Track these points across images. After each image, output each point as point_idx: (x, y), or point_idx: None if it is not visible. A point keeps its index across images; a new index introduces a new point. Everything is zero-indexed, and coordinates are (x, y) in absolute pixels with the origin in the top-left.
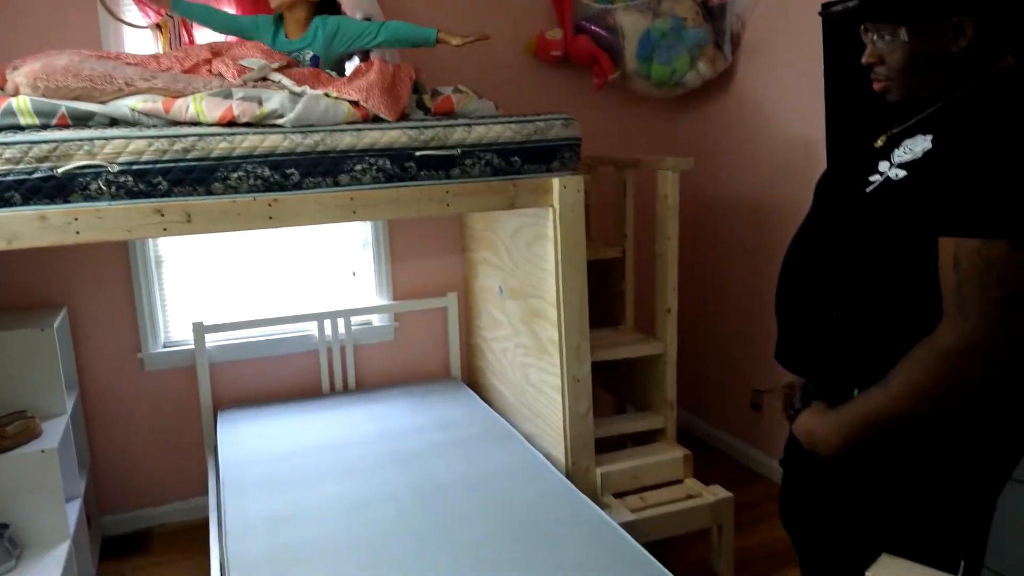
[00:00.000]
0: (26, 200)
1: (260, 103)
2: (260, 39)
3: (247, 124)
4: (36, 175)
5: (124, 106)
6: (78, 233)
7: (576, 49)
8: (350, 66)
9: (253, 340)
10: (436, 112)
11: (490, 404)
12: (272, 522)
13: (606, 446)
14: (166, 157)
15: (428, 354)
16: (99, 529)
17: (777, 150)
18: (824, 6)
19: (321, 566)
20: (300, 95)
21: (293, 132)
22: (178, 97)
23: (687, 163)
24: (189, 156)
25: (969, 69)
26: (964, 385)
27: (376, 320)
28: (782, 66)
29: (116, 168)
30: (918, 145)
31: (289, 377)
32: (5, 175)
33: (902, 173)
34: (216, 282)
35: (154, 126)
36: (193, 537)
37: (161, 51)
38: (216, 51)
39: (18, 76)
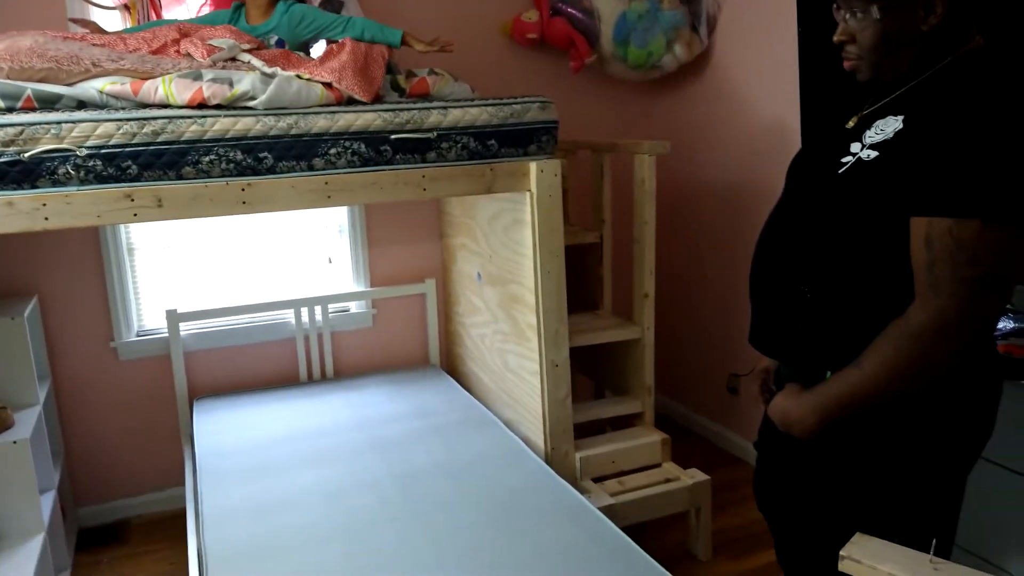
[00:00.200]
0: None
1: (231, 85)
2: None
3: (218, 106)
4: (2, 160)
5: (92, 88)
6: (47, 219)
7: (552, 32)
8: (317, 49)
9: (229, 328)
10: (411, 94)
11: (469, 391)
12: (250, 511)
13: (585, 431)
14: (135, 140)
15: (406, 341)
16: (75, 521)
17: (753, 133)
18: None
19: (300, 554)
20: (271, 76)
21: (266, 115)
22: (147, 79)
23: (663, 146)
24: (159, 139)
25: (939, 49)
26: (936, 364)
27: (353, 307)
28: (758, 49)
29: (84, 152)
30: (889, 126)
31: (266, 365)
32: None
33: (874, 154)
34: (190, 269)
35: (123, 109)
36: (171, 527)
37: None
38: (184, 32)
39: None
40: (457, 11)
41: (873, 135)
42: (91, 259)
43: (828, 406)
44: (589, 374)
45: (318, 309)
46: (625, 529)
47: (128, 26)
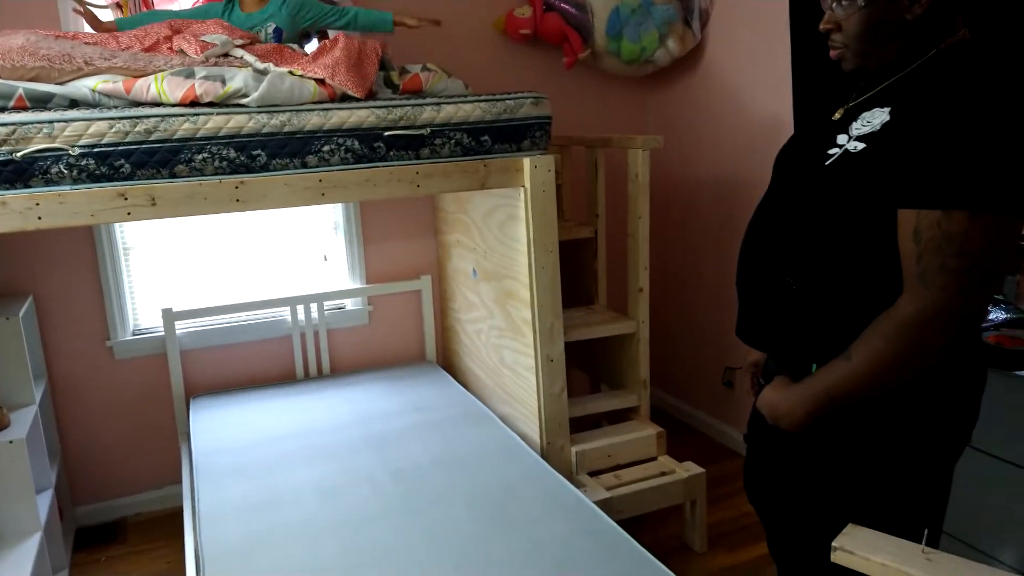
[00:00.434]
0: None
1: (223, 82)
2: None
3: (210, 104)
4: None
5: (84, 87)
6: (40, 219)
7: (545, 27)
8: (312, 45)
9: (225, 326)
10: (404, 90)
11: (466, 386)
12: (247, 508)
13: (581, 425)
14: (128, 139)
15: (403, 337)
16: (72, 520)
17: (747, 127)
18: None
19: (297, 550)
20: (264, 72)
21: (259, 112)
22: (139, 77)
23: (656, 141)
24: (152, 138)
25: (924, 39)
26: (925, 356)
27: (349, 304)
28: (751, 43)
29: (77, 151)
30: (876, 118)
31: (262, 363)
32: None
33: (861, 146)
34: (185, 268)
35: (115, 107)
36: (168, 525)
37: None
38: (176, 29)
39: None
40: (450, 7)
41: (860, 127)
42: (86, 258)
43: (817, 398)
44: (585, 368)
45: (314, 306)
46: (621, 522)
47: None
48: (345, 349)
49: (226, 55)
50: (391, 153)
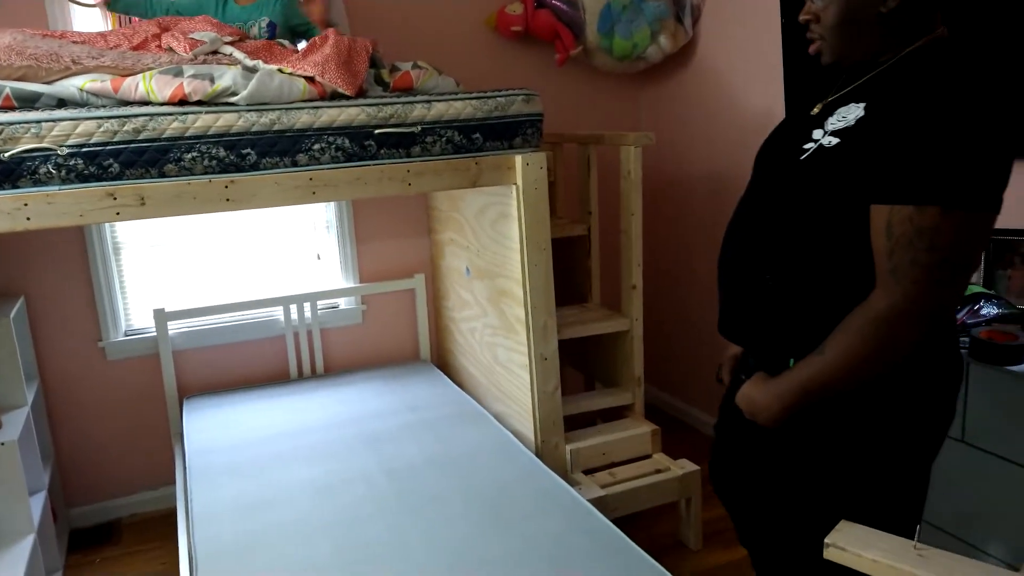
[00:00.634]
0: None
1: (212, 80)
2: (206, 13)
3: (199, 103)
4: None
5: (72, 86)
6: (28, 219)
7: (537, 24)
8: (301, 44)
9: (217, 326)
10: (395, 88)
11: (460, 385)
12: (241, 508)
13: (576, 423)
14: (116, 138)
15: (397, 336)
16: (66, 521)
17: (738, 123)
18: None
19: (290, 549)
20: (253, 70)
21: (248, 111)
22: (127, 75)
23: (648, 138)
24: (140, 137)
25: (901, 36)
26: (897, 350)
27: (343, 303)
28: (743, 39)
29: (65, 151)
30: (851, 113)
31: (256, 363)
32: None
33: (835, 140)
34: (177, 268)
35: (103, 106)
36: (162, 526)
37: (110, 29)
38: (164, 26)
39: None
40: (442, 4)
41: (835, 122)
42: (77, 258)
43: (793, 393)
44: (579, 366)
45: (307, 306)
46: (616, 520)
47: (110, 25)
48: (339, 348)
49: (215, 52)
50: (382, 151)
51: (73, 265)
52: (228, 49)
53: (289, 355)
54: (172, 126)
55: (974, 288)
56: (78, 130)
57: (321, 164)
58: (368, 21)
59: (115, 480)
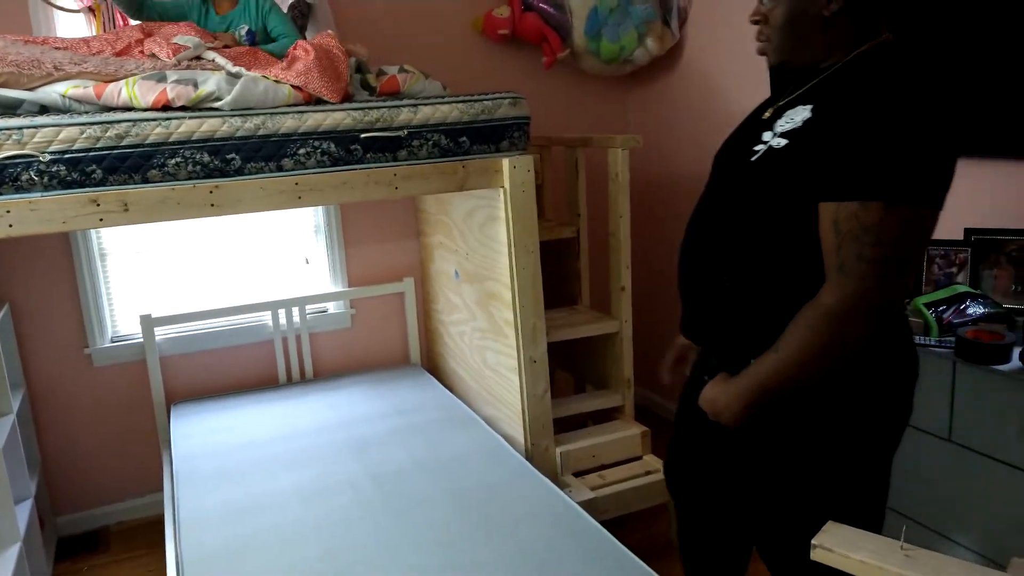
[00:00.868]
0: None
1: (195, 86)
2: (189, 19)
3: (183, 108)
4: None
5: (54, 92)
6: (11, 226)
7: (524, 27)
8: None
9: (205, 331)
10: (382, 92)
11: (450, 389)
12: (228, 514)
13: (566, 426)
14: (99, 144)
15: (386, 340)
16: (54, 530)
17: (726, 125)
18: None
19: (278, 555)
20: (236, 76)
21: (232, 115)
22: (110, 81)
23: (636, 140)
24: (123, 143)
25: (846, 40)
26: (847, 345)
27: (331, 307)
28: (730, 41)
29: (48, 157)
30: (799, 115)
31: (244, 368)
32: None
33: (784, 142)
34: (164, 273)
35: (86, 112)
36: (151, 533)
37: (93, 35)
38: (148, 32)
39: None
40: (428, 7)
41: (783, 124)
42: (62, 265)
43: (752, 392)
44: (569, 369)
45: (296, 310)
46: (607, 522)
47: (93, 31)
48: (328, 353)
49: (198, 58)
50: (368, 155)
51: (58, 271)
52: (211, 55)
53: (278, 360)
54: (155, 131)
55: (960, 288)
56: (60, 136)
57: (307, 169)
58: (356, 25)
59: (102, 487)
